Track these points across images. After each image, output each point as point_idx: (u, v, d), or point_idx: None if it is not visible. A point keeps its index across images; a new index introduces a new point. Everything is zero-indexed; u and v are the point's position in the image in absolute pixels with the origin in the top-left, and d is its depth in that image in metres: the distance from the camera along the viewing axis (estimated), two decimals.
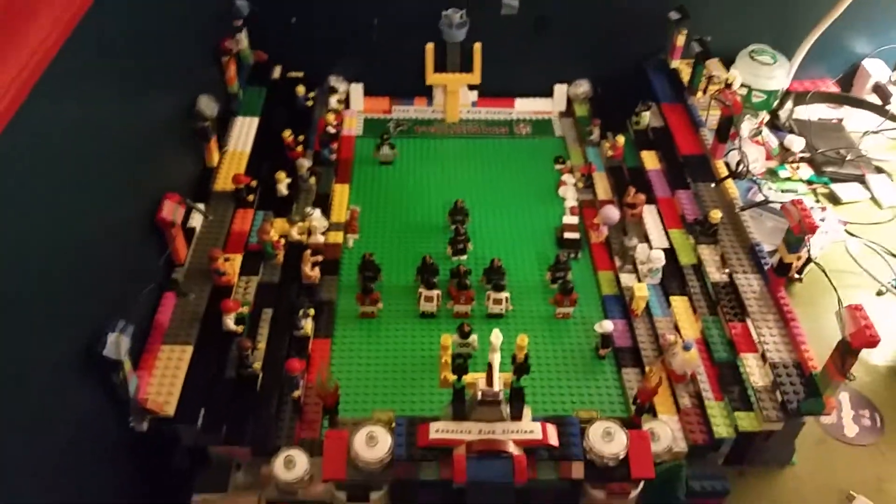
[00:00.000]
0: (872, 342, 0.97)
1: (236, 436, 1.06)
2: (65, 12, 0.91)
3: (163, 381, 1.07)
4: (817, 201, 1.58)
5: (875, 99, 1.76)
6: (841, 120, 1.75)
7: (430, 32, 1.66)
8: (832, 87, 1.82)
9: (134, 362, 1.04)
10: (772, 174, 1.62)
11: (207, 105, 1.37)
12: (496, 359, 0.94)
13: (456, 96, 1.75)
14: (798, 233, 1.15)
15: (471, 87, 1.77)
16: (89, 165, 0.99)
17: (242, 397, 1.11)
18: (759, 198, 1.51)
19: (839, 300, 1.21)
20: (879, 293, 1.41)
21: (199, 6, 1.46)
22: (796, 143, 1.65)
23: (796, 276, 1.39)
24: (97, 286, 0.99)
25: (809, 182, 1.62)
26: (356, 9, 1.68)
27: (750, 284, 1.23)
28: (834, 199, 1.60)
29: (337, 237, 1.44)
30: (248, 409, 1.10)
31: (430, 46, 1.67)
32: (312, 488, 1.01)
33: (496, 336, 0.95)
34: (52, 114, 0.89)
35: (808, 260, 1.37)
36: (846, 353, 1.00)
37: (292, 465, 1.01)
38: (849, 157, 1.64)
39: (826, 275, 1.31)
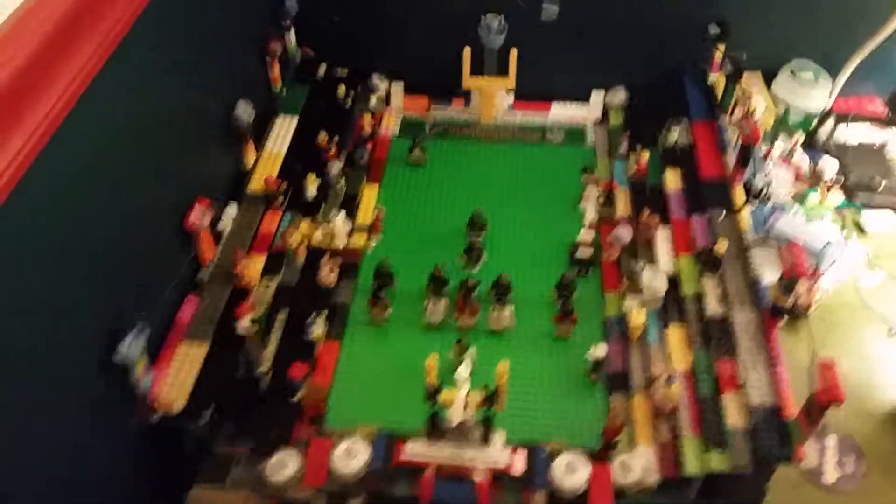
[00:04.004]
0: (837, 401, 0.99)
1: (237, 436, 1.17)
2: (124, 12, 1.00)
3: (176, 379, 1.19)
4: (843, 229, 1.55)
5: None
6: (884, 144, 1.70)
7: (469, 35, 1.70)
8: (880, 108, 1.76)
9: (152, 357, 1.16)
10: (801, 198, 1.60)
11: (245, 110, 1.45)
12: (462, 391, 1.01)
13: (492, 99, 1.78)
14: (788, 277, 1.16)
15: (507, 91, 1.80)
16: (130, 166, 1.09)
17: (247, 398, 1.21)
18: (781, 223, 1.50)
19: (814, 352, 1.21)
20: (890, 334, 1.40)
21: (247, 7, 1.54)
22: (830, 166, 1.62)
23: (805, 312, 1.39)
24: (125, 282, 1.10)
25: (839, 208, 1.59)
26: (401, 9, 1.72)
27: (745, 320, 1.25)
28: (860, 229, 1.57)
29: (359, 240, 1.51)
30: (251, 410, 1.20)
31: (467, 51, 1.71)
32: (301, 489, 1.12)
33: (464, 369, 1.01)
34: (103, 113, 0.97)
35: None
36: (813, 406, 1.03)
37: (284, 466, 1.11)
38: (884, 184, 1.60)
39: (809, 327, 1.31)
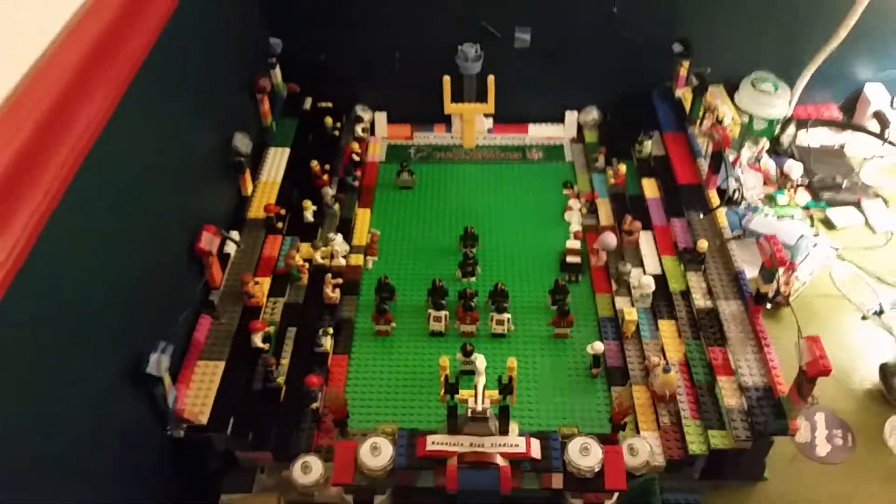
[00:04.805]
0: (825, 372, 1.07)
1: (261, 443, 1.21)
2: (132, 56, 1.06)
3: (198, 394, 1.23)
4: (812, 226, 1.66)
5: (875, 125, 1.83)
6: (843, 146, 1.82)
7: (448, 64, 1.79)
8: (836, 113, 1.89)
9: (173, 376, 1.20)
10: (770, 200, 1.71)
11: (242, 142, 1.52)
12: (481, 381, 1.07)
13: (472, 124, 1.87)
14: (770, 266, 1.25)
15: (486, 115, 1.89)
16: (142, 202, 1.15)
17: (267, 408, 1.26)
18: (754, 223, 1.60)
19: (799, 330, 1.30)
20: (864, 318, 1.49)
21: (237, 45, 1.61)
22: (795, 168, 1.73)
23: (786, 301, 1.48)
24: (144, 308, 1.14)
25: (806, 207, 1.70)
26: (381, 43, 1.81)
27: (731, 311, 1.34)
28: (829, 225, 1.68)
29: (357, 259, 1.57)
30: (271, 418, 1.24)
31: (446, 79, 1.80)
32: (327, 491, 1.16)
33: (480, 361, 1.08)
34: (116, 153, 1.03)
35: (778, 293, 1.45)
36: (803, 380, 1.10)
37: (309, 469, 1.15)
38: (845, 183, 1.71)
39: (793, 312, 1.40)
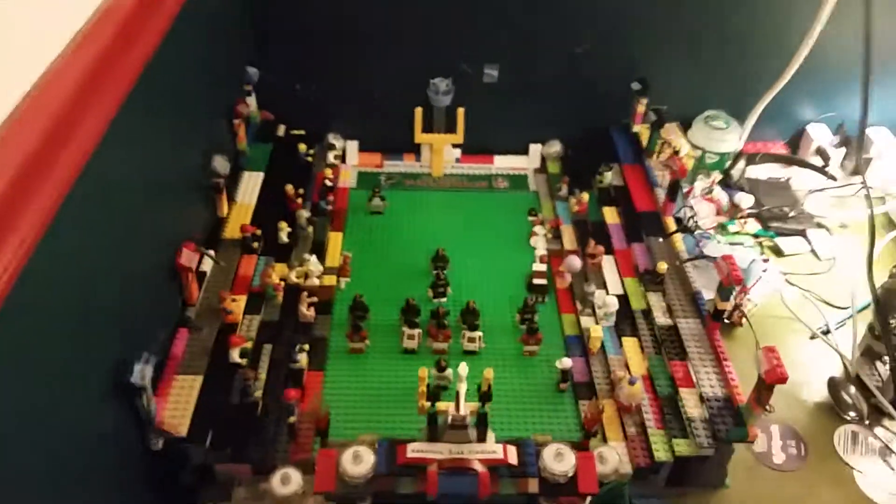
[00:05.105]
0: (782, 379, 1.14)
1: (240, 455, 1.23)
2: (119, 85, 1.10)
3: (177, 407, 1.24)
4: (762, 253, 1.76)
5: (818, 160, 1.96)
6: (789, 179, 1.94)
7: (419, 97, 1.87)
8: (782, 149, 2.01)
9: (152, 389, 1.21)
10: (722, 228, 1.81)
11: (221, 164, 1.56)
12: (463, 388, 1.12)
13: (441, 154, 1.94)
14: (727, 284, 1.33)
15: (454, 146, 1.97)
16: (128, 218, 1.17)
17: (245, 421, 1.28)
18: (708, 249, 1.69)
19: (756, 343, 1.38)
20: (812, 337, 1.59)
21: (216, 73, 1.65)
22: (745, 200, 1.84)
23: (739, 322, 1.57)
24: (127, 320, 1.16)
25: (756, 236, 1.81)
26: (354, 75, 1.88)
27: (690, 328, 1.41)
28: (778, 252, 1.78)
29: (331, 280, 1.61)
30: (249, 431, 1.26)
31: (419, 110, 1.87)
32: (305, 502, 1.18)
33: (463, 368, 1.13)
34: (103, 171, 1.06)
35: (737, 307, 1.54)
36: (762, 388, 1.18)
37: (288, 481, 1.17)
38: (791, 214, 1.83)
39: (751, 326, 1.48)
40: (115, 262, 1.13)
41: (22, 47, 0.94)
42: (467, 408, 1.13)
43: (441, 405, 1.17)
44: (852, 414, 1.43)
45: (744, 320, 1.57)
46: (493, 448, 1.14)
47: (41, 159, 0.89)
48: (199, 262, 1.46)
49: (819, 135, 1.98)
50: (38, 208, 0.87)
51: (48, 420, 0.94)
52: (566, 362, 1.40)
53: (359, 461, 1.13)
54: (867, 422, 1.42)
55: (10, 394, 0.86)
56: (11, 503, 0.86)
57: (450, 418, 1.13)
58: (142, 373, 1.11)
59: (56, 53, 0.98)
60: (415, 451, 1.13)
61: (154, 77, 1.21)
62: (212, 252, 1.50)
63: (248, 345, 1.37)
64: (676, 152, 1.70)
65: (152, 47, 1.22)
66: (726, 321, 1.54)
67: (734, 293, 1.40)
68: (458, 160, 1.99)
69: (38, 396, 0.92)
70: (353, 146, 1.98)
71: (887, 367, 1.43)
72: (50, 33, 0.99)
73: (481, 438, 1.15)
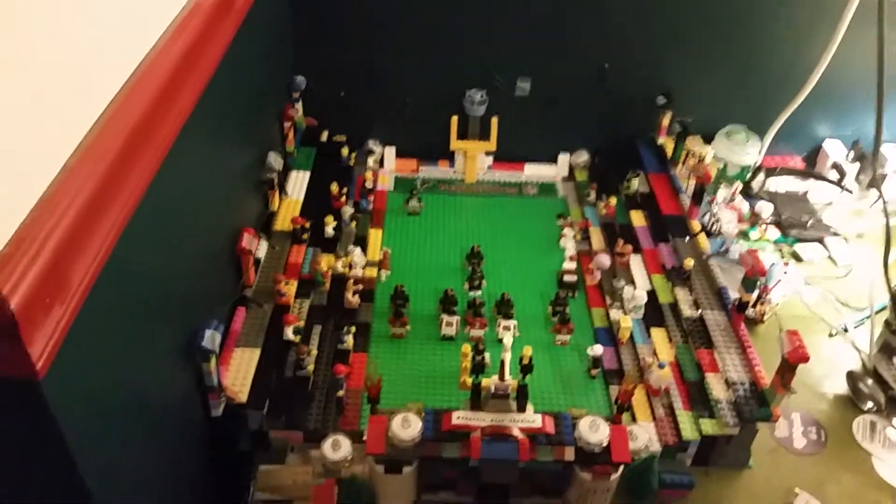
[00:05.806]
0: (804, 358, 1.22)
1: (294, 422, 1.31)
2: (192, 92, 1.21)
3: (237, 376, 1.33)
4: (782, 258, 1.85)
5: (834, 175, 2.04)
6: (806, 192, 2.03)
7: (455, 106, 1.98)
8: (799, 163, 2.11)
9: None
10: (743, 235, 1.90)
11: (275, 160, 1.66)
12: (507, 357, 1.20)
13: (475, 160, 2.05)
14: (752, 276, 1.42)
15: (487, 153, 2.07)
16: (200, 205, 1.28)
17: (298, 393, 1.36)
18: (731, 252, 1.78)
19: (780, 327, 1.46)
20: (830, 335, 1.66)
21: (269, 79, 1.77)
22: (765, 209, 1.93)
23: (761, 319, 1.65)
24: (196, 295, 1.26)
25: (776, 242, 1.89)
26: (396, 85, 1.99)
27: (716, 319, 1.49)
28: (797, 257, 1.87)
29: (372, 272, 1.70)
30: (302, 402, 1.35)
31: (454, 118, 1.98)
32: (354, 467, 1.26)
33: (508, 339, 1.21)
34: (179, 168, 1.16)
35: (759, 299, 1.62)
36: (785, 368, 1.26)
37: (338, 447, 1.26)
38: (810, 223, 1.91)
39: (776, 315, 1.56)
40: (188, 243, 1.23)
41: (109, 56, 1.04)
42: (509, 380, 1.21)
43: (482, 380, 1.25)
44: (870, 405, 1.50)
45: (765, 317, 1.65)
46: (532, 417, 1.22)
47: (132, 152, 0.99)
48: (256, 248, 1.56)
49: (835, 151, 2.07)
50: (129, 193, 0.97)
51: (133, 380, 1.03)
52: (597, 349, 1.48)
53: (407, 426, 1.21)
54: (885, 412, 1.49)
55: (110, 351, 0.95)
56: (99, 449, 0.94)
57: (493, 388, 1.22)
58: (212, 338, 1.20)
59: (141, 57, 1.08)
60: (459, 417, 1.22)
61: (220, 81, 1.32)
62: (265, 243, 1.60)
63: (301, 324, 1.46)
64: (701, 160, 1.79)
65: (217, 59, 1.33)
66: (751, 310, 1.62)
67: (758, 285, 1.48)
68: (489, 167, 2.09)
69: (128, 358, 1.01)
70: (390, 152, 2.08)
71: None
72: (136, 41, 1.10)
73: (521, 409, 1.23)
